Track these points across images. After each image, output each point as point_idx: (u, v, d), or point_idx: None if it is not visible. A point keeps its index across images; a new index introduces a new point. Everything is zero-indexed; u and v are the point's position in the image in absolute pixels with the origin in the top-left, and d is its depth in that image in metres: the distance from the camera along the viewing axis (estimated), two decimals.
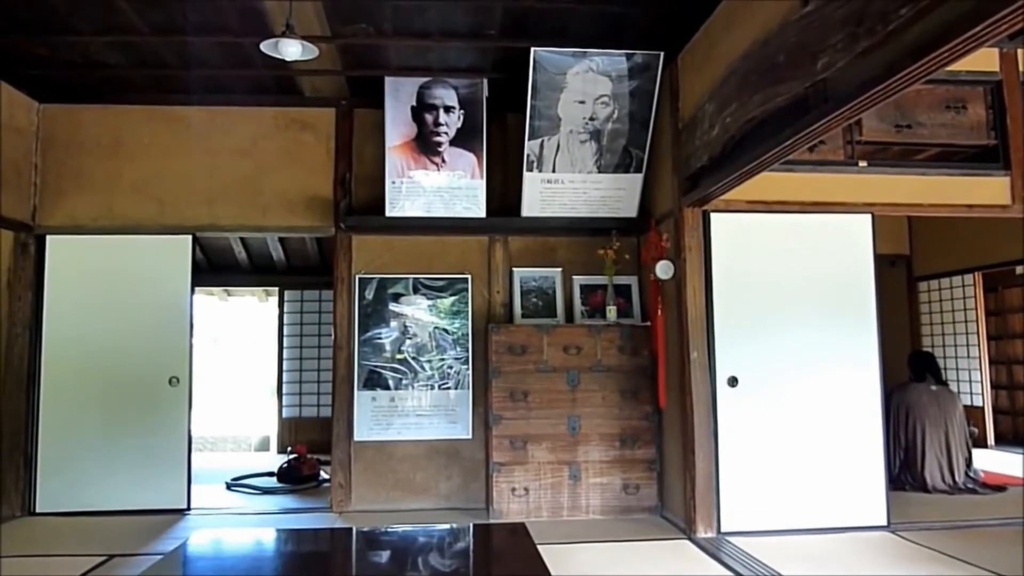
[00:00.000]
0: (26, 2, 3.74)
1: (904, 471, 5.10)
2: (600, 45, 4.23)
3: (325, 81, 4.78)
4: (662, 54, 4.29)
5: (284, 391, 7.47)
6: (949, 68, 2.20)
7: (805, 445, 4.09)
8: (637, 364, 4.59)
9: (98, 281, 4.81)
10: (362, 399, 4.75)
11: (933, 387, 5.24)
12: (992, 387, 7.01)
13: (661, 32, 4.12)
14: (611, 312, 4.74)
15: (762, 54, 3.08)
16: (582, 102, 4.41)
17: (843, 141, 4.19)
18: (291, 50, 3.28)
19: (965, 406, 5.68)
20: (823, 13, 2.60)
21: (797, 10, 2.81)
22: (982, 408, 6.86)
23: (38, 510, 4.66)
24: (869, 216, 4.21)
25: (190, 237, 4.88)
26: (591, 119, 4.47)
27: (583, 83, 4.34)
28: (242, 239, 6.98)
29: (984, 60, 4.14)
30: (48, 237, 4.83)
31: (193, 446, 4.90)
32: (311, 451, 6.06)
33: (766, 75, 3.03)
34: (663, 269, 4.30)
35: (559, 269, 4.94)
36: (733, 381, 4.07)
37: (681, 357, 4.17)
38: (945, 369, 7.06)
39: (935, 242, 7.05)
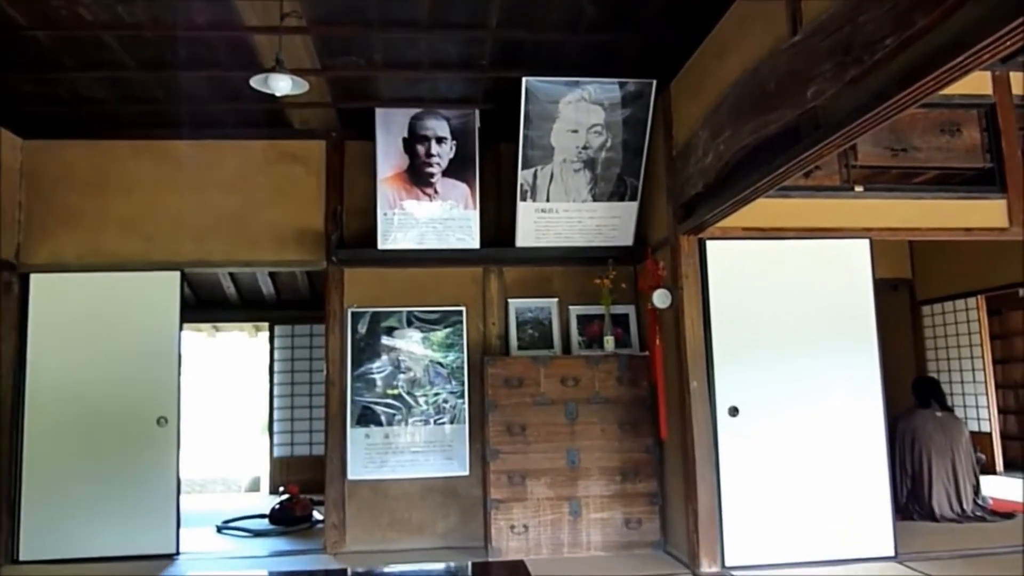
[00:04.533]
0: (11, 39, 3.82)
1: (911, 500, 5.11)
2: (592, 74, 4.32)
3: (315, 113, 4.87)
4: (655, 82, 4.38)
5: (275, 429, 7.45)
6: (942, 92, 2.27)
7: (809, 475, 4.10)
8: (636, 395, 4.61)
9: (84, 320, 4.83)
10: (355, 436, 4.75)
11: (938, 413, 5.26)
12: (999, 412, 7.04)
13: (653, 60, 4.22)
14: (609, 342, 4.78)
15: (754, 82, 3.16)
16: (575, 131, 4.49)
17: (839, 166, 4.27)
18: (281, 85, 3.36)
19: (972, 432, 5.71)
20: (811, 43, 2.69)
21: (786, 39, 2.90)
22: (989, 434, 6.88)
23: (21, 558, 4.63)
24: (867, 241, 4.28)
25: (178, 273, 4.91)
26: (584, 148, 4.56)
27: (576, 112, 4.43)
28: (231, 274, 7.01)
29: (977, 83, 4.24)
30: (32, 276, 4.85)
31: (182, 488, 4.88)
32: (304, 491, 6.03)
33: (758, 103, 3.11)
34: (660, 298, 4.34)
35: (555, 299, 4.99)
36: (734, 411, 4.10)
37: (681, 387, 4.19)
38: (951, 395, 7.09)
39: (937, 265, 7.12)
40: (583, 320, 4.95)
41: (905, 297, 7.54)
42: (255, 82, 3.47)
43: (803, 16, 2.83)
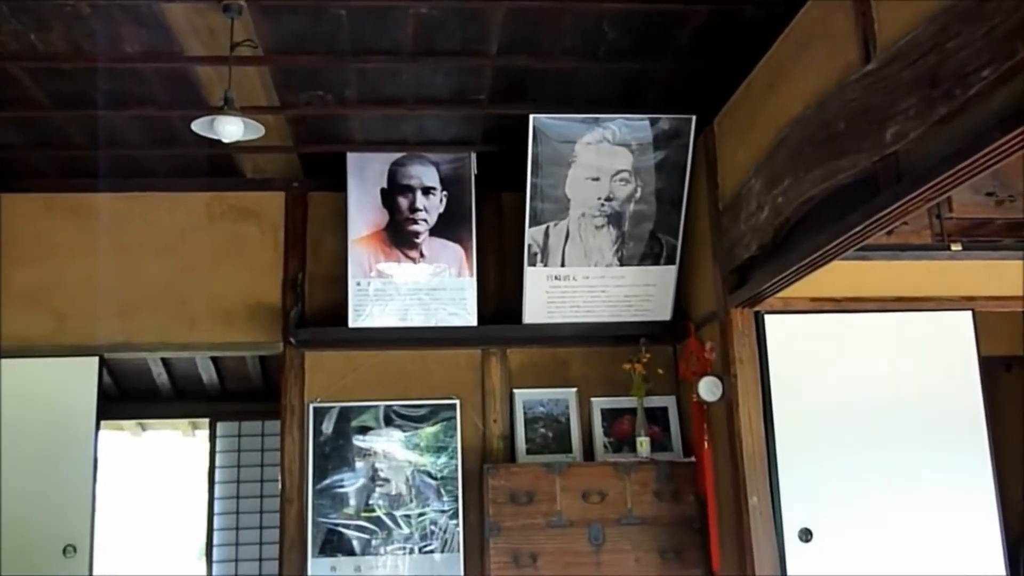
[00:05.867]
0: None
1: None
2: (616, 109, 4.41)
3: (272, 159, 4.96)
4: (694, 118, 4.46)
5: (215, 556, 7.32)
6: None
7: None
8: (680, 514, 4.55)
9: None
10: (318, 568, 4.67)
11: None
12: None
13: (691, 92, 4.30)
14: (643, 445, 4.73)
15: (817, 120, 3.21)
16: (596, 179, 4.55)
17: (929, 219, 4.25)
18: (230, 129, 3.42)
19: None
20: (888, 72, 2.73)
21: (857, 68, 2.95)
22: None
23: None
24: (969, 313, 4.28)
25: (96, 359, 4.92)
26: (608, 199, 4.60)
27: (597, 156, 4.49)
28: (163, 359, 7.00)
29: None
30: None
31: None
32: None
33: (824, 146, 3.15)
34: (708, 388, 4.32)
35: (573, 390, 4.96)
36: (806, 535, 4.02)
37: (737, 504, 4.13)
38: None
39: None
40: (610, 416, 4.92)
41: (1020, 379, 7.46)
42: (198, 127, 3.53)
43: (877, 40, 2.87)
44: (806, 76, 3.37)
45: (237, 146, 4.61)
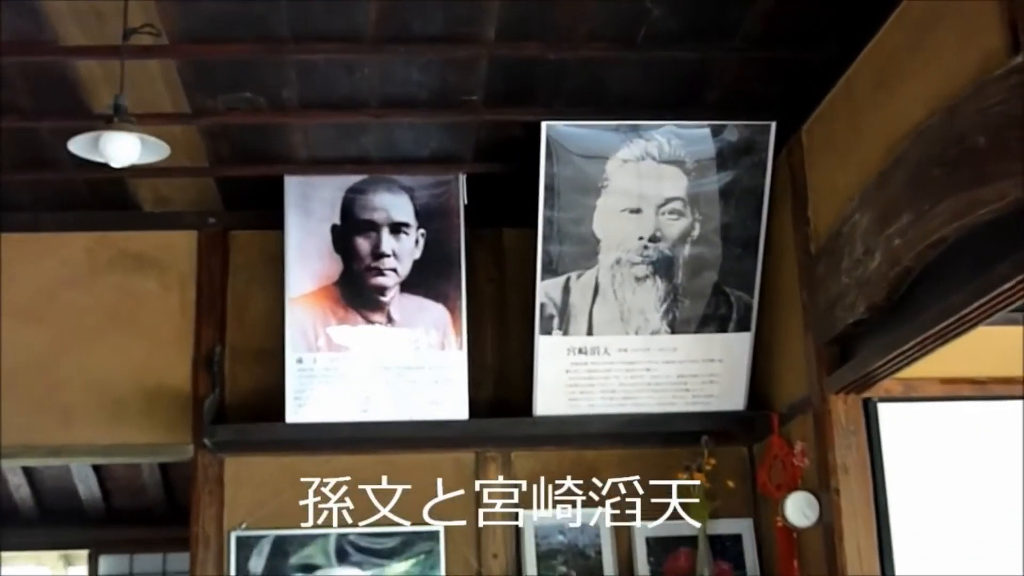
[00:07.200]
0: None
1: None
2: (662, 114, 4.42)
3: (180, 187, 4.98)
4: (774, 125, 4.46)
5: None
6: None
7: None
8: None
9: None
10: None
11: None
12: None
13: (768, 89, 4.31)
14: None
15: (947, 132, 3.19)
16: (636, 211, 4.55)
17: None
18: (121, 148, 3.39)
19: None
20: None
21: (1003, 60, 2.94)
22: None
23: None
24: None
25: None
26: (654, 240, 4.60)
27: (637, 178, 4.50)
28: (24, 467, 6.96)
29: None
30: None
31: None
32: None
33: (957, 168, 3.13)
34: (799, 508, 4.28)
35: (607, 510, 4.87)
36: None
37: None
38: None
39: None
40: (659, 548, 4.88)
41: None
42: (78, 147, 3.52)
43: None
44: (930, 70, 3.36)
45: (133, 169, 4.63)
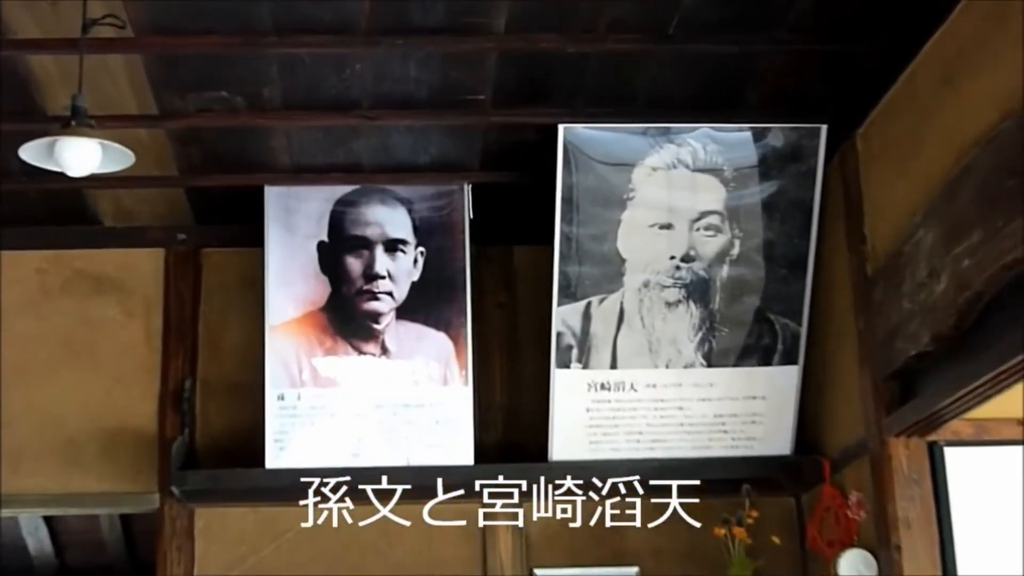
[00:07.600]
0: None
1: None
2: (697, 116, 4.42)
3: (146, 198, 4.99)
4: (824, 128, 4.45)
5: None
6: None
7: None
8: None
9: None
10: None
11: None
12: None
13: (817, 88, 4.30)
14: None
15: (1022, 138, 3.16)
16: (668, 226, 4.55)
17: None
18: (80, 156, 3.39)
19: None
20: None
21: None
22: None
23: None
24: None
25: None
26: (686, 259, 4.58)
27: (668, 189, 4.50)
28: None
29: None
30: None
31: None
32: None
33: None
34: (854, 566, 4.26)
35: (634, 570, 4.91)
36: None
37: None
38: None
39: None
40: None
41: None
42: (29, 154, 3.51)
43: None
44: (1003, 66, 3.32)
45: (92, 179, 4.62)
